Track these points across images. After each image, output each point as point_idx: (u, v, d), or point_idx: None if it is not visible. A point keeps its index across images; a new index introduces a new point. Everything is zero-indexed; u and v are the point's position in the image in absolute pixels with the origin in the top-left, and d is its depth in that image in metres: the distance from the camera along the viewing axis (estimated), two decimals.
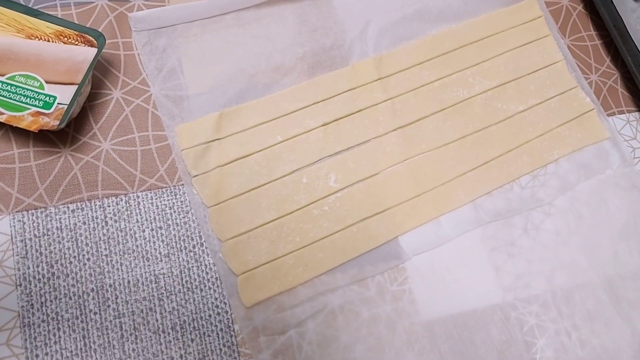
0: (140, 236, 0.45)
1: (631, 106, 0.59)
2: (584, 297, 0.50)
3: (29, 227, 0.43)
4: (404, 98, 0.53)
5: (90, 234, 0.44)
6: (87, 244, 0.44)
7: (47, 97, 0.42)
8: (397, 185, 0.50)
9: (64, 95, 0.43)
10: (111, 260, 0.44)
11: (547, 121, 0.55)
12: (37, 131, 0.42)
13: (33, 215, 0.44)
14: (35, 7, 0.47)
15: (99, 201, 0.45)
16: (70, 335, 0.42)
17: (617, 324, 0.50)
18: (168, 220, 0.46)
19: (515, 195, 0.53)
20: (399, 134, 0.52)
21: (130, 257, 0.44)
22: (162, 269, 0.44)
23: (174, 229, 0.46)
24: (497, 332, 0.48)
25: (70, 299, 0.43)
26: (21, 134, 0.45)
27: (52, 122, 0.42)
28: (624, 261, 0.52)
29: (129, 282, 0.44)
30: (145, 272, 0.44)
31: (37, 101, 0.42)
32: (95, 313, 0.43)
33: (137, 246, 0.45)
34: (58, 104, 0.42)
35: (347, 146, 0.51)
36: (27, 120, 0.42)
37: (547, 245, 0.51)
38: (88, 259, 0.44)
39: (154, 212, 0.46)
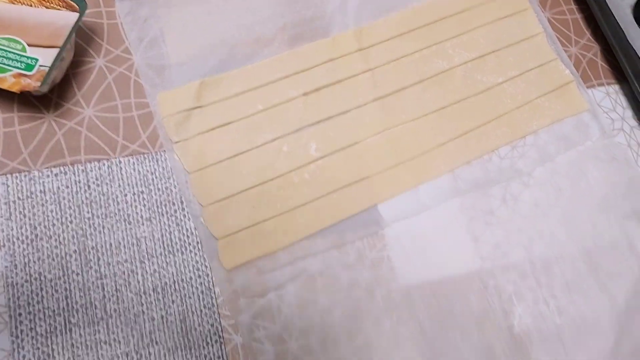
0: (122, 200, 0.46)
1: (611, 79, 0.59)
2: (563, 268, 0.51)
3: (13, 190, 0.44)
4: (384, 69, 0.54)
5: (73, 197, 0.45)
6: (69, 207, 0.45)
7: (29, 60, 0.43)
8: (376, 154, 0.51)
9: (45, 57, 0.44)
10: (93, 223, 0.45)
11: (526, 93, 0.56)
12: (19, 92, 0.43)
13: (17, 178, 0.45)
14: None
15: (82, 165, 0.46)
16: (53, 295, 0.43)
17: (596, 294, 0.50)
18: (150, 185, 0.47)
19: (494, 166, 0.53)
20: (379, 104, 0.52)
21: (112, 220, 0.45)
22: (144, 232, 0.45)
23: (155, 194, 0.46)
24: (475, 301, 0.48)
25: (53, 260, 0.43)
26: (5, 100, 0.46)
27: (33, 83, 0.43)
28: (602, 233, 0.52)
29: (110, 244, 0.44)
30: (127, 235, 0.45)
31: (20, 63, 0.43)
32: (77, 274, 0.43)
33: (118, 210, 0.45)
34: (40, 66, 0.43)
35: (327, 116, 0.51)
36: (9, 81, 0.43)
37: (525, 216, 0.52)
38: (70, 222, 0.44)
39: (135, 177, 0.47)
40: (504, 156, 0.54)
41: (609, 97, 0.58)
